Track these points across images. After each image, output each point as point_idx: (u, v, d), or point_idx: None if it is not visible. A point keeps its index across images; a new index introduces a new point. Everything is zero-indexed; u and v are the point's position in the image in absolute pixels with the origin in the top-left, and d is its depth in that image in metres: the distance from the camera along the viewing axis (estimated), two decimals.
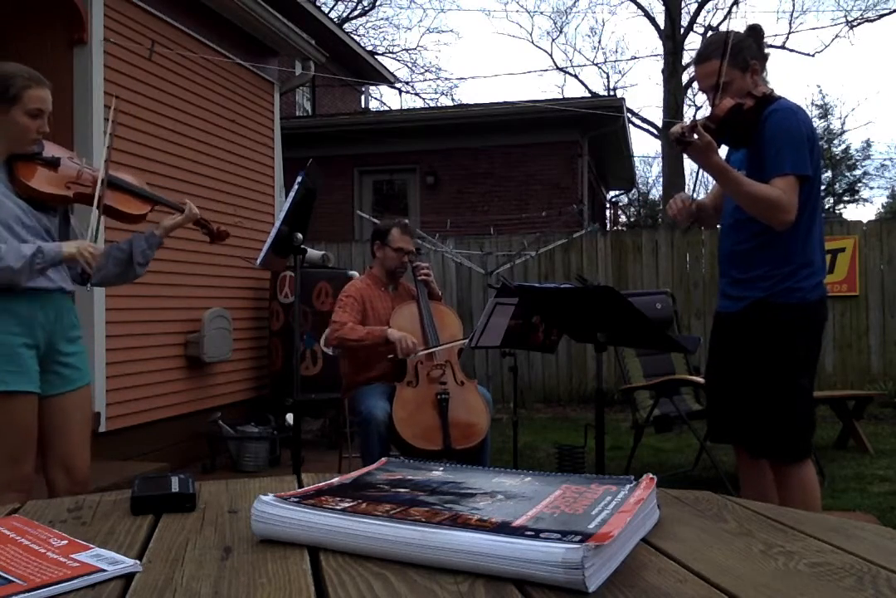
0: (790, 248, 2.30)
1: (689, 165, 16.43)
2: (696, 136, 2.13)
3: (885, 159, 28.20)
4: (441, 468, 0.96)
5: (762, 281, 2.33)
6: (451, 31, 38.92)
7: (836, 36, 35.50)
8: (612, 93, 20.95)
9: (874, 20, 18.67)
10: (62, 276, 2.26)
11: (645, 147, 56.60)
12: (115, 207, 2.33)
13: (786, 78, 38.97)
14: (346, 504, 0.78)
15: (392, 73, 15.46)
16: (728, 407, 2.46)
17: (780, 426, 2.32)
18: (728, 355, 2.46)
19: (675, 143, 2.17)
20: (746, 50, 2.33)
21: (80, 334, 2.35)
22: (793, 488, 2.33)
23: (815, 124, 2.40)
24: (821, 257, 2.38)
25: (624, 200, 22.75)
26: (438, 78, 31.14)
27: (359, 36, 19.55)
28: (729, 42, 2.17)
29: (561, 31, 33.98)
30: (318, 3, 15.33)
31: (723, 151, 2.37)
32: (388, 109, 19.23)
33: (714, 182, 2.54)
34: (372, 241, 3.77)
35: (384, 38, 30.70)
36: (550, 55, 38.21)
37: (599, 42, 41.88)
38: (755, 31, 2.42)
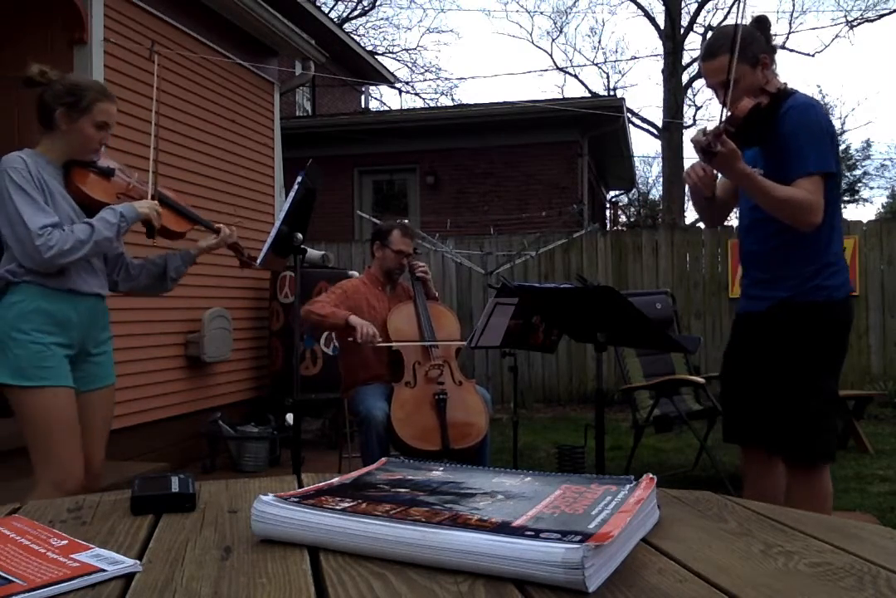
0: (814, 246, 2.24)
1: (689, 164, 16.40)
2: (719, 145, 2.05)
3: (885, 159, 28.17)
4: (441, 468, 0.96)
5: (787, 280, 2.26)
6: (451, 31, 38.92)
7: (836, 36, 35.70)
8: (612, 93, 20.94)
9: (874, 20, 18.68)
10: (100, 282, 2.36)
11: (645, 147, 56.60)
12: (162, 223, 2.40)
13: (786, 78, 38.85)
14: (346, 504, 0.78)
15: (392, 73, 15.46)
16: (746, 407, 2.40)
17: (802, 428, 2.25)
18: (750, 355, 2.39)
19: (702, 153, 2.09)
20: (755, 44, 2.24)
21: (110, 335, 2.43)
22: (804, 494, 2.26)
23: None
24: (842, 255, 2.31)
25: (624, 200, 22.76)
26: (438, 78, 31.15)
27: (359, 36, 19.55)
28: (738, 36, 2.09)
29: (561, 31, 33.99)
30: (318, 3, 15.33)
31: None
32: (388, 109, 19.24)
33: (721, 177, 2.49)
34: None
35: (384, 38, 30.73)
36: (550, 55, 38.26)
37: (599, 42, 41.89)
38: (762, 24, 2.33)
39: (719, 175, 2.36)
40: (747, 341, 2.42)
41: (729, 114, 2.16)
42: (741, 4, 2.23)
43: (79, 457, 2.22)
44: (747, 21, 2.35)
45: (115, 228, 2.22)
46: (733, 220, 4.91)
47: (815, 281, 2.24)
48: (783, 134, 2.20)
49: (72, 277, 2.23)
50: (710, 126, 2.15)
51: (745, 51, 2.19)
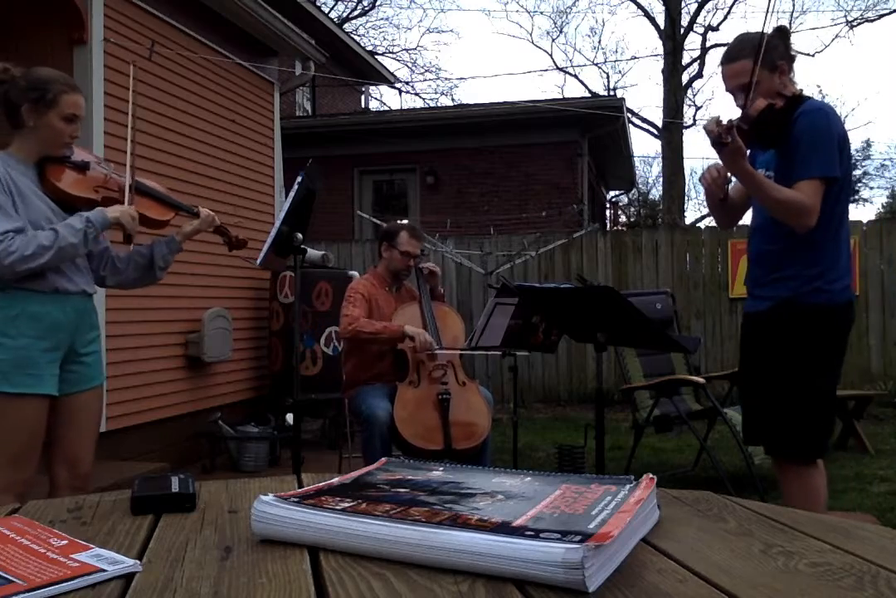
0: (819, 250, 2.29)
1: (689, 164, 16.44)
2: (730, 138, 2.12)
3: (885, 159, 28.06)
4: (441, 468, 0.96)
5: (790, 281, 2.31)
6: (451, 31, 38.92)
7: (836, 36, 35.46)
8: (612, 93, 20.92)
9: (874, 20, 18.67)
10: (86, 279, 2.31)
11: (645, 147, 56.60)
12: (142, 213, 2.37)
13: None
14: (346, 504, 0.78)
15: (392, 73, 15.46)
16: (757, 407, 2.43)
17: (791, 426, 2.29)
18: (754, 355, 2.43)
19: (714, 144, 2.15)
20: (774, 50, 2.32)
21: (98, 335, 2.39)
22: (797, 490, 2.30)
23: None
24: (847, 260, 2.36)
25: (624, 200, 22.73)
26: (438, 78, 31.10)
27: (359, 36, 19.55)
28: (763, 42, 2.16)
29: (561, 31, 33.95)
30: (318, 3, 15.33)
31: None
32: (388, 108, 19.23)
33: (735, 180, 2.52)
34: (380, 241, 3.78)
35: (384, 38, 30.77)
36: (550, 55, 38.17)
37: (599, 42, 41.89)
38: (782, 32, 2.42)
39: (733, 179, 2.42)
40: (752, 341, 2.46)
41: (743, 112, 2.21)
42: (769, 11, 2.27)
43: (32, 466, 2.18)
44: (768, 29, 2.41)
45: (80, 234, 2.14)
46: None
47: (817, 283, 2.28)
48: (794, 139, 2.25)
49: (57, 276, 2.19)
50: (724, 118, 2.18)
51: (765, 56, 2.25)
